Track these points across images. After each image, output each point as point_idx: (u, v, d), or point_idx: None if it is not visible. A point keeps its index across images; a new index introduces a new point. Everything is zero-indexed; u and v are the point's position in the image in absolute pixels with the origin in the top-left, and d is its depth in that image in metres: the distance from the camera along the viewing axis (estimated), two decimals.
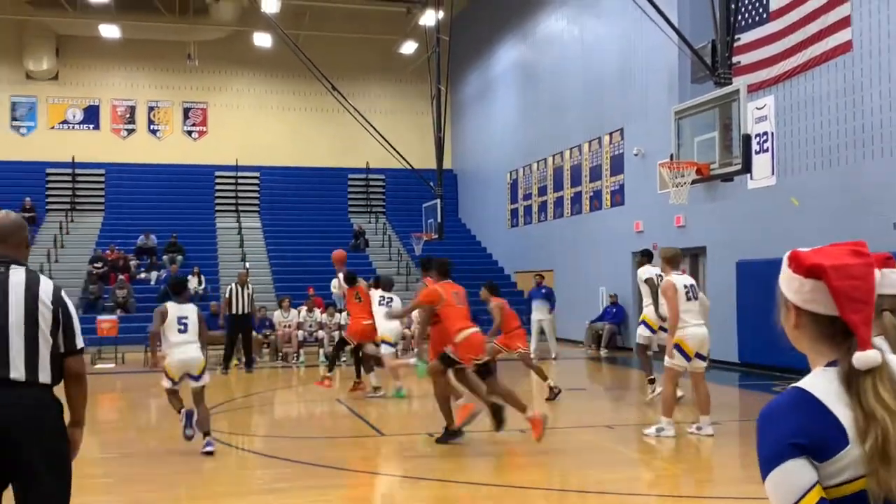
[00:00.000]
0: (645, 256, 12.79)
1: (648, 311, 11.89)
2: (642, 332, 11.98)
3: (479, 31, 29.29)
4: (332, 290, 17.37)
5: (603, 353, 19.51)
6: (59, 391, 3.80)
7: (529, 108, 26.03)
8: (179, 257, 25.56)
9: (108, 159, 29.83)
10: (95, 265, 24.52)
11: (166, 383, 8.82)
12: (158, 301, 22.66)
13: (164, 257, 25.65)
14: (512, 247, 27.31)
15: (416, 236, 25.08)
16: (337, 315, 19.56)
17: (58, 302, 3.78)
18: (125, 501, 6.93)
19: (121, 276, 23.75)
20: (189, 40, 29.44)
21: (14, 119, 29.75)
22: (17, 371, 3.63)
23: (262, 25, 26.58)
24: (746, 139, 11.19)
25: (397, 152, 21.97)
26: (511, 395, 8.89)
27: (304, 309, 19.72)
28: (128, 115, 30.70)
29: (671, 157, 12.59)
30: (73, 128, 30.16)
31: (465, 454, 8.80)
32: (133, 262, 25.15)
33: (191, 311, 8.88)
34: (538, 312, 18.69)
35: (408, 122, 30.16)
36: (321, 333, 19.23)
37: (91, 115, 30.33)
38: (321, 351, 18.81)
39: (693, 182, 12.20)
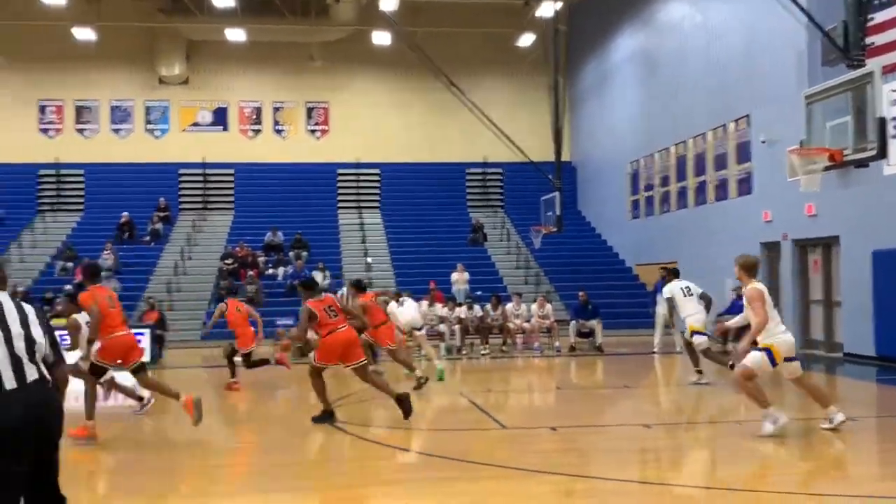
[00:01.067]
0: (671, 273, 13.61)
1: (693, 321, 12.79)
2: (699, 340, 12.78)
3: (598, 19, 28.89)
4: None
5: (731, 346, 18.95)
6: None
7: (650, 97, 25.52)
8: (305, 253, 26.26)
9: (236, 159, 30.92)
10: (226, 261, 25.47)
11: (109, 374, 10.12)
12: (289, 293, 23.38)
13: (291, 253, 26.40)
14: (633, 239, 26.86)
15: (535, 229, 24.98)
16: (457, 309, 19.69)
17: (43, 315, 4.21)
18: (251, 490, 7.17)
19: (250, 272, 24.60)
20: (311, 41, 30.20)
21: (149, 123, 31.20)
22: (40, 373, 4.02)
23: (381, 24, 26.99)
24: (882, 123, 10.67)
25: (515, 145, 21.93)
26: (162, 387, 9.52)
27: (425, 303, 19.91)
28: (254, 116, 31.73)
29: (801, 143, 12.15)
30: (204, 130, 31.38)
31: (590, 449, 8.72)
32: (261, 259, 25.99)
33: None
34: (663, 306, 18.31)
35: (525, 115, 30.05)
36: (442, 327, 19.39)
37: (220, 117, 31.50)
38: (442, 345, 18.98)
39: (825, 169, 11.74)
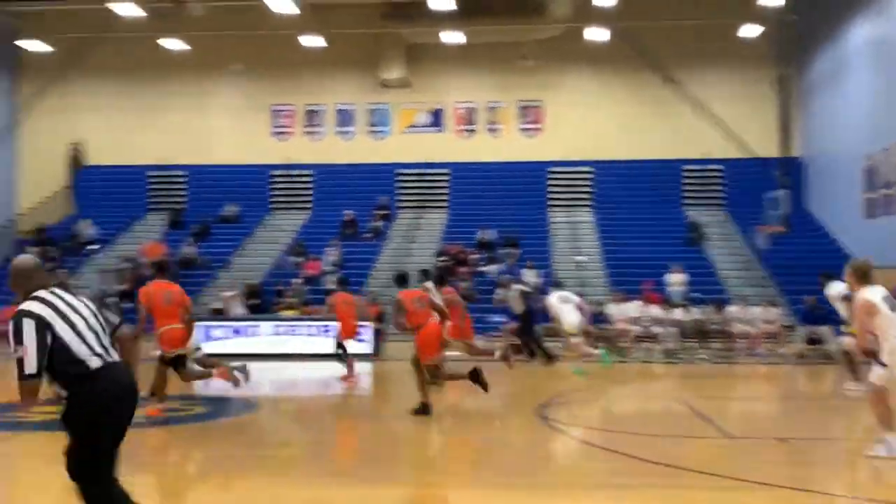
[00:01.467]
0: (826, 276, 13.30)
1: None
2: (847, 340, 12.34)
3: (828, 6, 27.06)
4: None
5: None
6: None
7: (889, 87, 23.57)
8: (515, 251, 26.40)
9: (451, 159, 31.53)
10: (441, 259, 26.04)
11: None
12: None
13: (501, 251, 26.62)
14: (869, 240, 24.87)
15: (760, 229, 23.76)
16: (673, 311, 19.06)
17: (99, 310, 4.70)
18: (455, 484, 7.19)
19: (463, 269, 25.02)
20: (524, 40, 30.25)
21: (371, 125, 32.47)
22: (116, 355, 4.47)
23: (595, 19, 26.61)
24: None
25: (740, 141, 20.93)
26: (200, 374, 10.72)
27: (639, 304, 19.43)
28: (469, 117, 32.24)
29: None
30: (420, 131, 32.24)
31: (822, 462, 8.13)
32: (474, 256, 26.37)
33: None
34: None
35: (748, 109, 28.53)
36: (657, 329, 18.83)
37: (436, 118, 32.24)
38: (658, 346, 18.45)
39: None
